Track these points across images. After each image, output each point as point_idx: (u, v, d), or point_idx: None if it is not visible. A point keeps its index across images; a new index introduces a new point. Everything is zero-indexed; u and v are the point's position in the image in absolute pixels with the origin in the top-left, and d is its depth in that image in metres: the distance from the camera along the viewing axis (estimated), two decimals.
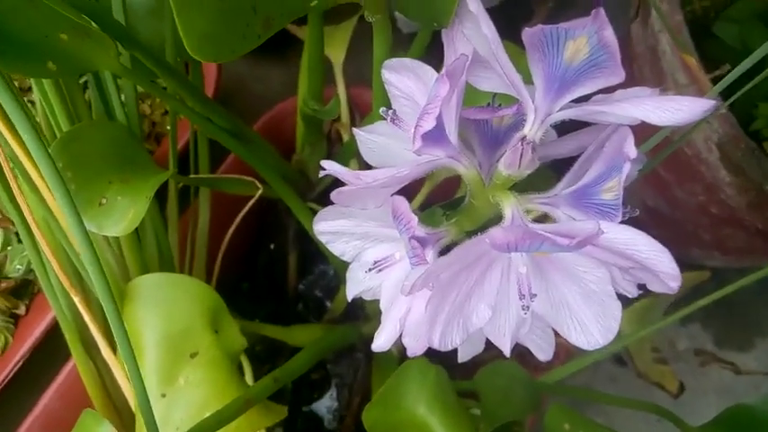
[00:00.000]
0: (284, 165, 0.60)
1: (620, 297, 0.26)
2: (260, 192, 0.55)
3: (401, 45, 0.58)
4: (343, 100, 0.65)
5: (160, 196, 0.53)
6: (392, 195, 0.26)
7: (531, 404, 0.44)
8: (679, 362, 0.76)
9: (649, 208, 0.68)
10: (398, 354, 0.57)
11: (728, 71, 0.53)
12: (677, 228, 0.67)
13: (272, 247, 0.68)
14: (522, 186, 0.28)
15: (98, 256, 0.29)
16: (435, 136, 0.24)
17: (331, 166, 0.26)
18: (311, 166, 0.60)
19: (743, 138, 0.51)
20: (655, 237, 0.68)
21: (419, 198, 0.62)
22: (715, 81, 0.51)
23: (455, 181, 0.60)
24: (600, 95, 0.26)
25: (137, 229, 0.49)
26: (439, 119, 0.25)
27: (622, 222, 0.27)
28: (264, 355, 0.64)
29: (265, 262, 0.68)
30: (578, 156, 0.28)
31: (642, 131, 0.31)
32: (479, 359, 0.47)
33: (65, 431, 0.56)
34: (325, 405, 0.64)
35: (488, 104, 0.29)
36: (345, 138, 0.63)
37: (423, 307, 0.25)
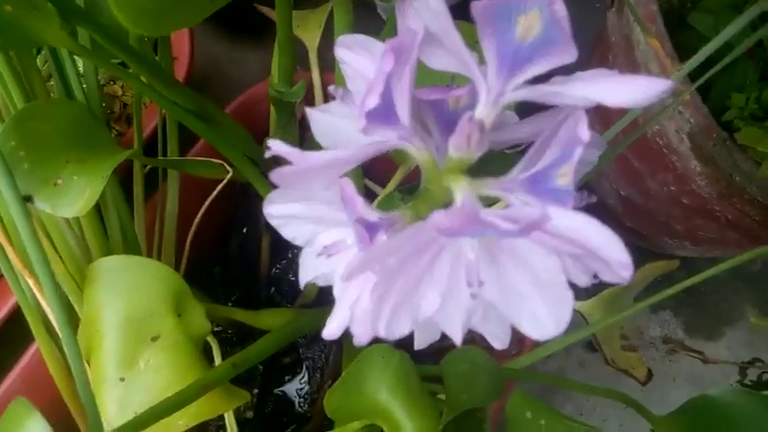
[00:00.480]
0: (256, 149, 0.59)
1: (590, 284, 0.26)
2: (229, 175, 0.55)
3: (379, 31, 0.57)
4: (317, 85, 0.64)
5: (127, 180, 0.52)
6: (341, 177, 0.25)
7: (495, 391, 0.44)
8: (650, 349, 0.76)
9: (622, 198, 0.68)
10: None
11: (702, 62, 0.53)
12: (650, 218, 0.67)
13: (244, 230, 0.67)
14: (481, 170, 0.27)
15: (37, 237, 0.28)
16: (384, 115, 0.24)
17: (276, 145, 0.25)
18: None
19: (714, 128, 0.51)
20: (628, 227, 0.69)
21: (392, 184, 0.62)
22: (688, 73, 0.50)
23: None
24: (559, 77, 0.26)
25: (100, 211, 0.48)
26: (388, 97, 0.24)
27: (580, 210, 0.27)
28: (237, 339, 0.64)
29: (237, 246, 0.67)
30: None
31: (611, 116, 0.31)
32: (449, 344, 0.47)
33: None
34: (296, 388, 0.64)
35: (448, 85, 0.28)
36: None
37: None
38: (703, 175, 0.53)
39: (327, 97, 0.64)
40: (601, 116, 0.61)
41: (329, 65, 0.67)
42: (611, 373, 0.65)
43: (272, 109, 0.58)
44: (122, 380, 0.42)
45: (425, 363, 0.48)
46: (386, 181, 0.67)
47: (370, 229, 0.26)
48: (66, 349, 0.27)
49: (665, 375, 0.71)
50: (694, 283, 0.46)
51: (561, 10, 0.20)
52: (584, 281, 0.24)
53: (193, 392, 0.35)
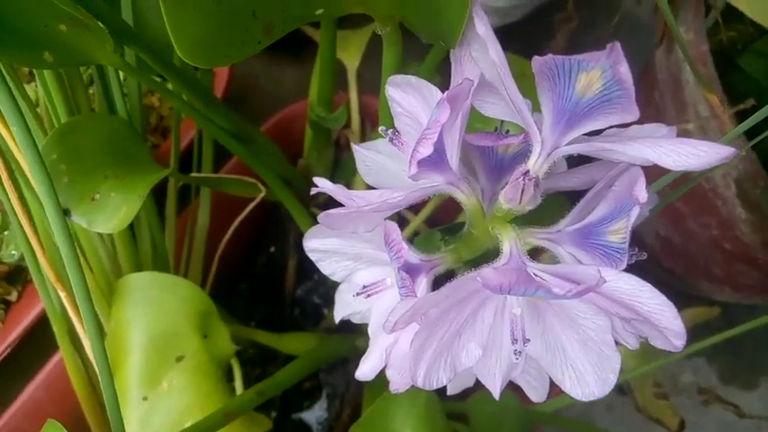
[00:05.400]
0: (289, 169, 0.58)
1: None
2: (262, 194, 0.54)
3: (420, 54, 0.56)
4: (354, 107, 0.63)
5: (160, 193, 0.52)
6: (386, 220, 0.24)
7: None
8: (681, 395, 0.73)
9: (661, 237, 0.66)
10: None
11: (753, 106, 0.51)
12: (688, 260, 0.65)
13: (272, 250, 0.67)
14: (531, 213, 0.26)
15: (77, 254, 0.27)
16: (434, 161, 0.23)
17: (323, 184, 0.25)
18: (317, 172, 0.59)
19: (762, 175, 0.49)
20: (665, 267, 0.66)
21: (423, 213, 0.61)
22: (738, 116, 0.49)
23: None
24: (613, 129, 0.25)
25: (132, 225, 0.48)
26: (440, 143, 0.23)
27: (628, 265, 0.26)
28: (257, 359, 0.63)
29: (264, 264, 0.67)
30: (587, 190, 0.26)
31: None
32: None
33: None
34: (314, 414, 0.63)
35: (496, 130, 0.27)
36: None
37: (410, 340, 0.24)
38: (748, 223, 0.52)
39: (364, 120, 0.64)
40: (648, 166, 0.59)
41: (367, 87, 0.66)
42: (640, 418, 0.63)
43: (308, 130, 0.58)
44: (145, 399, 0.42)
45: (446, 398, 0.47)
46: (416, 207, 0.66)
47: (412, 271, 0.25)
48: (98, 371, 0.27)
49: (695, 424, 0.69)
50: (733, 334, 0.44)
51: (625, 72, 0.19)
52: (632, 344, 0.23)
53: (216, 421, 0.34)
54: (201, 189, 0.54)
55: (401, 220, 0.63)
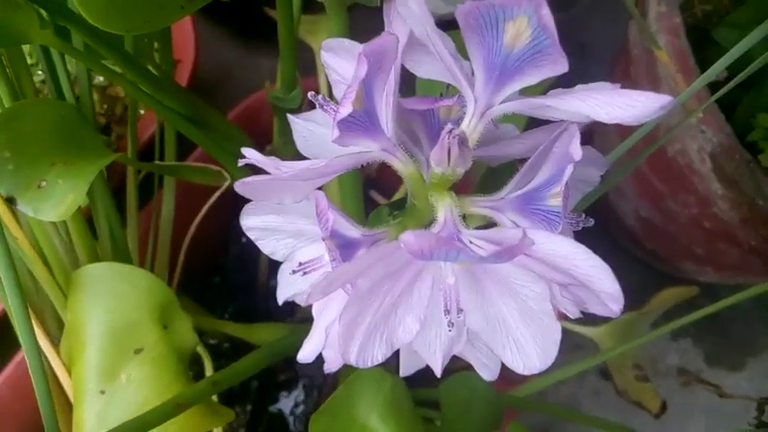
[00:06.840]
0: None
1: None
2: (227, 183, 0.53)
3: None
4: (323, 91, 0.62)
5: (124, 187, 0.51)
6: (316, 190, 0.23)
7: (492, 421, 0.41)
8: (668, 378, 0.72)
9: (642, 219, 0.65)
10: None
11: (726, 78, 0.50)
12: (670, 240, 0.64)
13: (244, 240, 0.65)
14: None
15: (7, 246, 0.26)
16: (364, 124, 0.22)
17: (251, 154, 0.23)
18: (284, 158, 0.57)
19: (737, 149, 0.48)
20: (647, 249, 0.65)
21: (397, 196, 0.60)
22: (711, 88, 0.48)
23: None
24: (558, 90, 0.23)
25: (90, 218, 0.47)
26: (370, 106, 0.22)
27: (576, 232, 0.25)
28: (232, 352, 0.62)
29: (237, 256, 0.66)
30: None
31: (630, 130, 0.28)
32: (451, 367, 0.44)
33: (13, 421, 0.55)
34: (291, 406, 0.62)
35: (441, 94, 0.26)
36: None
37: None
38: (725, 199, 0.50)
39: None
40: (621, 130, 0.58)
41: None
42: (627, 403, 0.62)
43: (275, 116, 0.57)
44: (103, 393, 0.41)
45: (422, 385, 0.46)
46: (387, 191, 0.65)
47: (350, 246, 0.24)
48: (30, 368, 0.26)
49: (682, 407, 0.68)
50: (719, 311, 0.43)
51: (547, 15, 0.18)
52: (573, 312, 0.22)
53: (168, 411, 0.33)
54: (165, 179, 0.53)
55: (372, 203, 0.62)
